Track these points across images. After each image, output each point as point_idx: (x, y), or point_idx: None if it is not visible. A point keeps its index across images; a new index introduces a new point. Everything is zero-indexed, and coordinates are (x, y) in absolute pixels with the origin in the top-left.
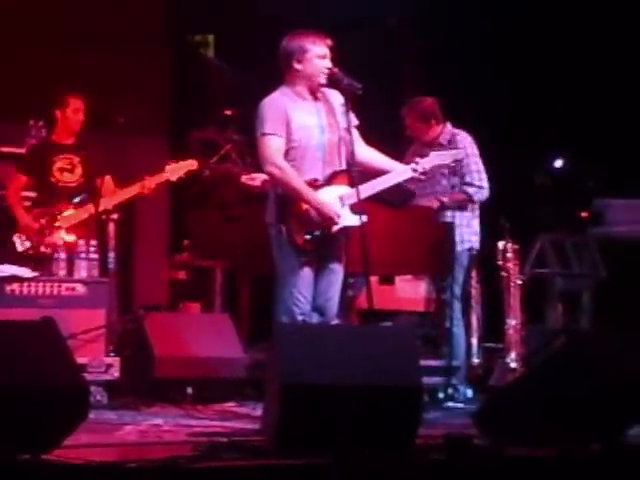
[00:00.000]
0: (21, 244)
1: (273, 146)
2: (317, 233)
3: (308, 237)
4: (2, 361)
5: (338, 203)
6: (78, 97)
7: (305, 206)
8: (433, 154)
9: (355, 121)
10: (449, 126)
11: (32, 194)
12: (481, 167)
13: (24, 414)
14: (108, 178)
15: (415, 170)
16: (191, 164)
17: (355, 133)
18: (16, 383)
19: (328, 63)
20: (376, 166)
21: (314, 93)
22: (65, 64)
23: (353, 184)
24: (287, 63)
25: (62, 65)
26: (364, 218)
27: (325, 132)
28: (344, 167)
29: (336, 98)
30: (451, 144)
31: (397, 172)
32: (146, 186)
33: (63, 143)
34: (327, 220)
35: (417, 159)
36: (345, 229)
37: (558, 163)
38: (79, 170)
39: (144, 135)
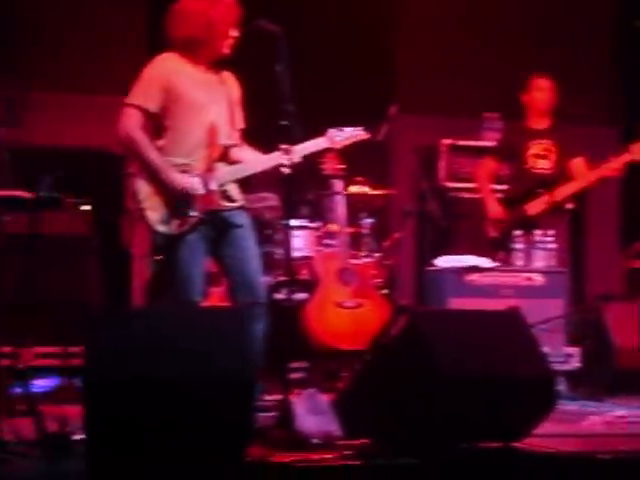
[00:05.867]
0: (489, 232)
1: None
2: None
3: None
4: (472, 349)
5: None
6: (542, 77)
7: None
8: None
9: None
10: None
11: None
12: None
13: (495, 402)
14: (580, 160)
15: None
16: None
17: None
18: (486, 371)
19: None
20: None
21: None
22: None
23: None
24: None
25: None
26: None
27: None
28: None
29: None
30: None
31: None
32: (611, 167)
33: (535, 128)
34: None
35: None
36: None
37: None
38: (553, 157)
39: (587, 125)
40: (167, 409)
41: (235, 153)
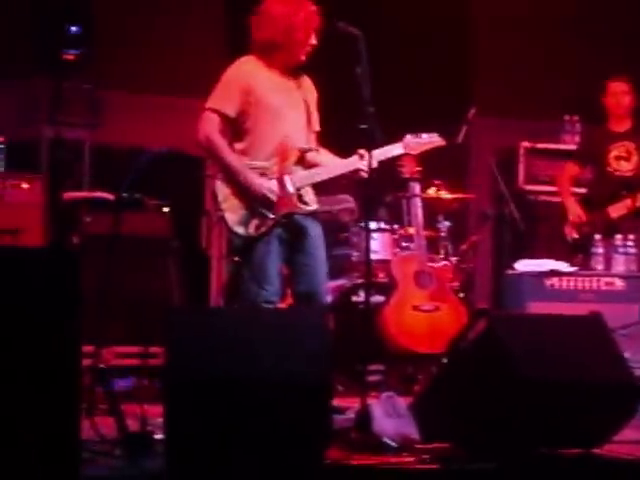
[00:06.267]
0: (569, 234)
1: None
2: None
3: None
4: (552, 354)
5: None
6: (618, 80)
7: None
8: None
9: None
10: None
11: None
12: None
13: (574, 408)
14: None
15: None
16: None
17: None
18: (566, 377)
19: None
20: None
21: None
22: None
23: None
24: None
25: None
26: None
27: None
28: None
29: None
30: None
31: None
32: None
33: (616, 131)
34: None
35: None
36: None
37: None
38: (635, 158)
39: None
40: (245, 410)
41: (312, 157)
